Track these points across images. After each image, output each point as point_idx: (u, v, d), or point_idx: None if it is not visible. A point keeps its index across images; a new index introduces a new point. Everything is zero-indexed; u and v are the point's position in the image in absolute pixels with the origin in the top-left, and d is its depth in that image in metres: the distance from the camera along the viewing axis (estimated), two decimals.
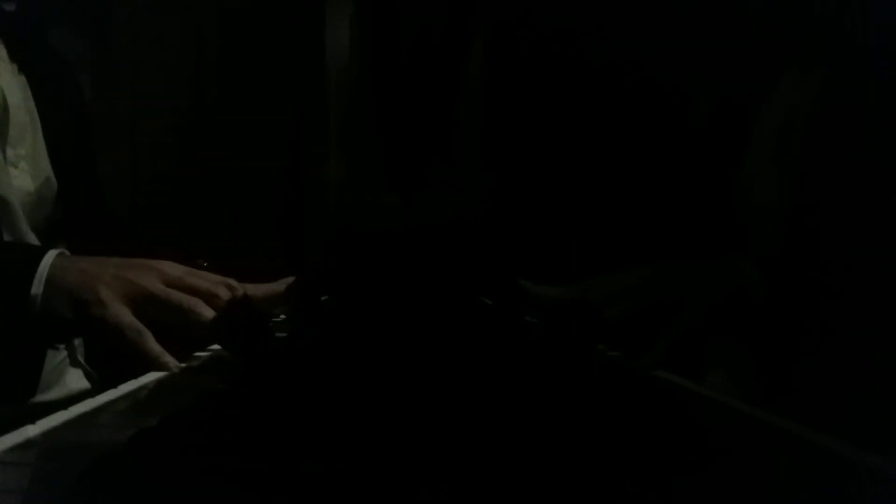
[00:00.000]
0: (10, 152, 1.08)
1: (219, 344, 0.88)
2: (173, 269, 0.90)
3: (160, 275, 0.88)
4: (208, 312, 0.86)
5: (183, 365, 0.84)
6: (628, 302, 0.97)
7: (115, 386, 0.70)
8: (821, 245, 0.97)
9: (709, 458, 0.51)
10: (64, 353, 1.18)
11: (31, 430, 0.53)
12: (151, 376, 0.77)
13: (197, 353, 0.91)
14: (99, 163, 1.37)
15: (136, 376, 0.75)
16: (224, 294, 0.90)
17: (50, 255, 0.85)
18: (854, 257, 0.94)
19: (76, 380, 1.19)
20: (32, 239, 1.10)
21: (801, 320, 0.96)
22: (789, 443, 0.57)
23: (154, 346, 0.82)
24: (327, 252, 2.24)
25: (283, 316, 1.39)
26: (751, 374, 1.07)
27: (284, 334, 1.16)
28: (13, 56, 1.12)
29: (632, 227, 2.07)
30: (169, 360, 0.82)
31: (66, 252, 0.89)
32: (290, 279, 1.17)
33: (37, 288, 0.83)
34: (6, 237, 1.04)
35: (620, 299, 0.97)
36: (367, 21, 2.29)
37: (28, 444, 0.51)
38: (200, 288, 0.89)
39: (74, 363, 1.20)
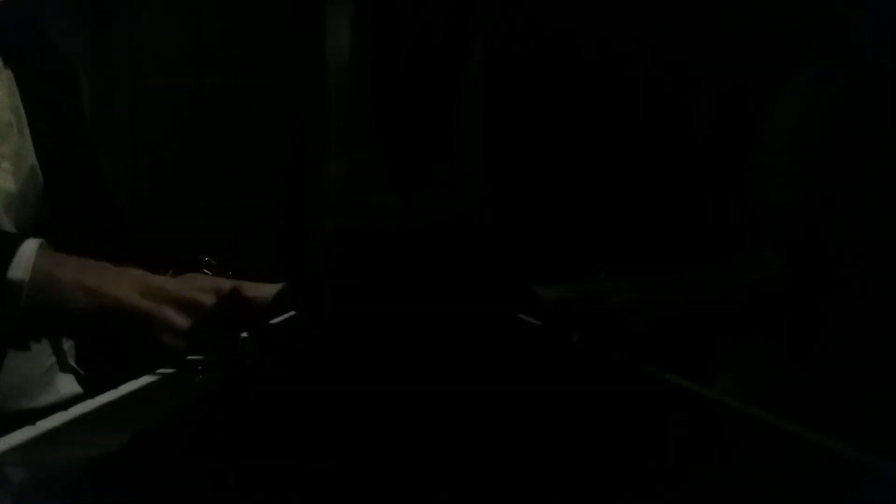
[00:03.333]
0: None
1: (195, 352, 0.87)
2: (152, 279, 0.89)
3: (139, 285, 0.87)
4: (182, 322, 0.85)
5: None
6: (655, 310, 0.97)
7: (107, 389, 0.70)
8: (838, 240, 0.96)
9: (710, 458, 0.51)
10: (53, 359, 1.15)
11: (31, 431, 0.53)
12: (151, 377, 0.77)
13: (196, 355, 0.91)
14: (99, 161, 1.35)
15: (128, 377, 0.75)
16: (207, 300, 0.88)
17: (32, 243, 0.84)
18: (872, 252, 0.94)
19: (67, 385, 1.16)
20: None
21: (823, 315, 0.95)
22: (789, 443, 0.57)
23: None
24: (327, 252, 2.24)
25: (283, 317, 1.39)
26: (760, 379, 1.06)
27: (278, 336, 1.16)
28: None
29: (633, 227, 2.07)
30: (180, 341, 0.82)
31: (46, 244, 0.88)
32: (291, 282, 1.18)
33: (23, 273, 0.82)
34: None
35: (645, 306, 0.97)
36: (367, 21, 2.29)
37: (28, 444, 0.51)
38: (182, 297, 0.88)
39: (64, 368, 1.17)
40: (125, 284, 0.86)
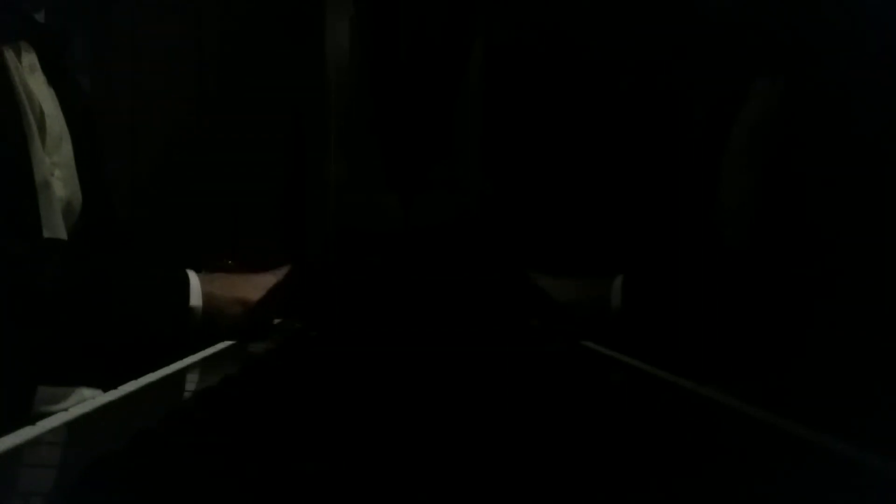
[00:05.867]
0: (47, 160, 1.09)
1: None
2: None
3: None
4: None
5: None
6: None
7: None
8: (785, 246, 0.99)
9: (709, 458, 0.51)
10: None
11: (32, 431, 0.53)
12: (151, 377, 0.77)
13: (196, 354, 0.91)
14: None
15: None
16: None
17: (193, 274, 1.04)
18: (820, 258, 0.95)
19: (91, 388, 1.20)
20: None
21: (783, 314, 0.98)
22: (789, 443, 0.57)
23: None
24: (327, 252, 2.24)
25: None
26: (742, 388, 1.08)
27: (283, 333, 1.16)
28: (44, 67, 1.13)
29: (630, 226, 2.07)
30: None
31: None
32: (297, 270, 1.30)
33: (197, 300, 1.01)
34: (47, 234, 1.06)
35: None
36: (367, 22, 2.29)
37: (28, 444, 0.51)
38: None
39: None
40: (260, 290, 1.09)
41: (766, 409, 0.64)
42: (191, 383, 0.79)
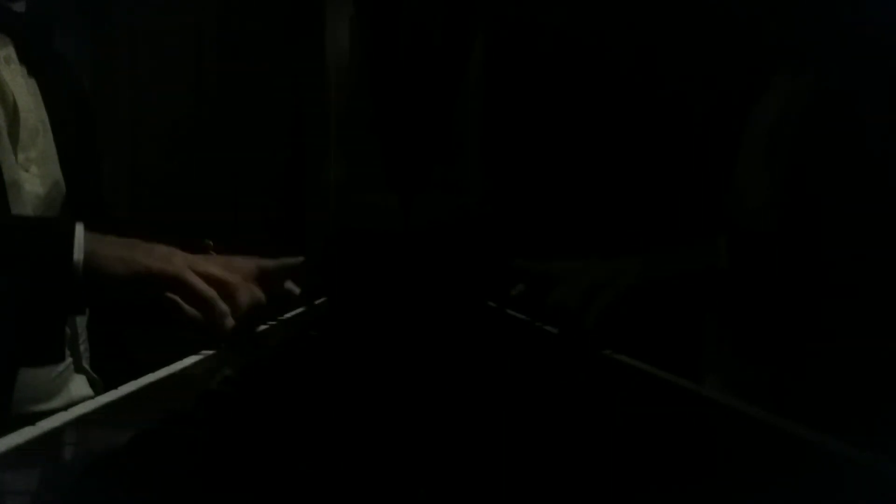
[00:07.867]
0: (21, 156, 1.06)
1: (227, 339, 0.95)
2: (197, 259, 0.99)
3: (187, 261, 0.96)
4: (224, 308, 0.95)
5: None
6: (598, 302, 1.01)
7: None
8: (810, 246, 0.98)
9: (709, 458, 0.51)
10: (69, 360, 1.17)
11: (31, 431, 0.53)
12: (151, 377, 0.77)
13: (196, 354, 0.91)
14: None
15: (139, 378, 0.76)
16: (243, 286, 0.99)
17: (80, 226, 0.92)
18: (844, 258, 0.95)
19: (80, 387, 1.19)
20: None
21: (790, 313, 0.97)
22: (789, 443, 0.57)
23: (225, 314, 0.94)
24: (327, 252, 2.24)
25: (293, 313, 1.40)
26: (745, 379, 1.07)
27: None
28: (23, 58, 1.11)
29: (631, 226, 2.07)
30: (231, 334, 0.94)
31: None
32: (301, 258, 1.25)
33: (78, 254, 0.90)
34: None
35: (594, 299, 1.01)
36: (367, 21, 2.29)
37: (28, 444, 0.51)
38: (227, 280, 0.98)
39: (79, 369, 1.20)
40: (155, 255, 0.95)
41: (765, 409, 0.64)
42: (191, 383, 0.79)
